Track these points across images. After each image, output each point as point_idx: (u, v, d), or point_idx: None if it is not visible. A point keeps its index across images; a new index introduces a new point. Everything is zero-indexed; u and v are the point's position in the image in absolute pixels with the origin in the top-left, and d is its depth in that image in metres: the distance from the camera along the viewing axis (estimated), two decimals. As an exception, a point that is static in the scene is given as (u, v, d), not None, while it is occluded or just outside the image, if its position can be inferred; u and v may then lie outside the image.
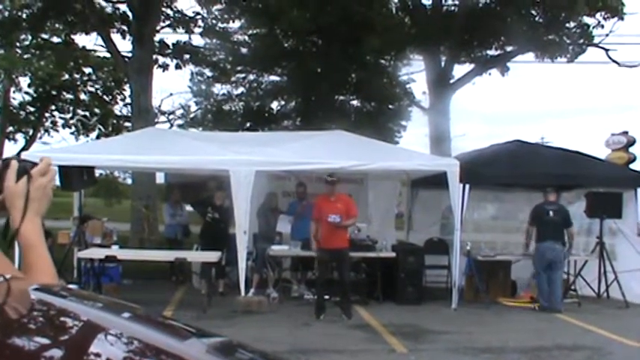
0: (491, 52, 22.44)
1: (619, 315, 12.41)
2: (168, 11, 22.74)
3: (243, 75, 27.08)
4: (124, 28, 21.72)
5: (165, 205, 16.20)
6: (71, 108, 26.26)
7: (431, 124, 22.93)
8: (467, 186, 12.46)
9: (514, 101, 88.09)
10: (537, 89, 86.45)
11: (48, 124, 26.70)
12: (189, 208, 15.94)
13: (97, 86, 26.02)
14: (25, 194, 1.57)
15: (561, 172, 13.21)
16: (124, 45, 21.87)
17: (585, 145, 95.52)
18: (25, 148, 24.27)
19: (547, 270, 12.57)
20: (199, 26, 23.67)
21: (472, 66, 22.68)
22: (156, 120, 24.47)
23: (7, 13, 22.18)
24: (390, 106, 26.76)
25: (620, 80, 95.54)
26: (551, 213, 12.71)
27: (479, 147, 16.14)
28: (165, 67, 23.25)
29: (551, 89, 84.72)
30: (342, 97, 26.39)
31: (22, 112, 25.90)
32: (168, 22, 22.79)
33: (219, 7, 23.45)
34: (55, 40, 23.86)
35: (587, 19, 19.98)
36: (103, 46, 22.10)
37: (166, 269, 14.96)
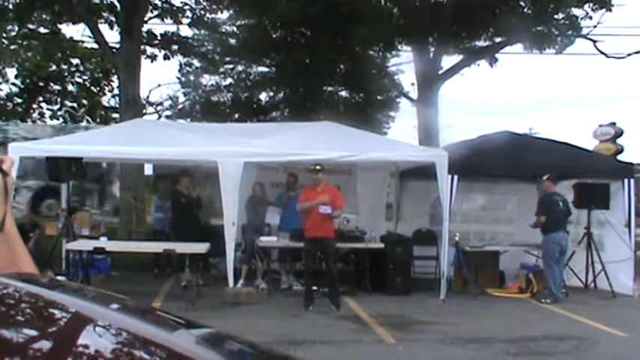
0: (480, 44, 22.45)
1: (606, 305, 12.48)
2: (157, 1, 22.61)
3: (231, 66, 27.07)
4: (112, 18, 21.60)
5: (154, 196, 16.12)
6: (59, 99, 26.16)
7: (419, 115, 22.95)
8: (455, 177, 12.49)
9: (502, 92, 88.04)
10: (526, 80, 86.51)
11: (35, 115, 26.60)
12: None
13: (84, 77, 25.93)
14: (3, 190, 1.60)
15: (549, 163, 13.23)
16: (112, 36, 21.80)
17: (573, 136, 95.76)
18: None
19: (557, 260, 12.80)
20: (187, 17, 23.57)
21: (461, 57, 22.69)
22: (144, 111, 24.40)
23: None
24: (379, 97, 26.84)
25: (607, 71, 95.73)
26: (560, 204, 12.93)
27: (467, 138, 16.17)
28: (153, 57, 23.16)
29: (539, 80, 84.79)
30: (330, 88, 26.42)
31: (9, 104, 25.77)
32: (156, 13, 22.67)
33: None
34: (42, 30, 23.72)
35: (575, 11, 20.03)
36: (90, 36, 22.02)
37: (155, 261, 14.94)
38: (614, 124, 23.10)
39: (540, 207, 12.97)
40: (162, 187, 15.95)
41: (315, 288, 11.84)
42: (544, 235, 12.87)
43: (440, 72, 22.37)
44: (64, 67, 24.87)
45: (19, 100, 25.73)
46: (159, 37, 23.12)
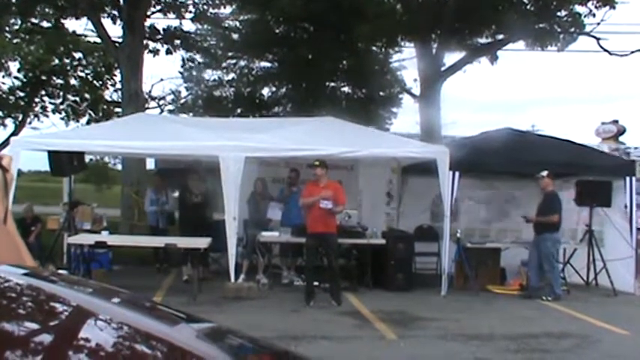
0: (483, 40, 22.39)
1: (607, 303, 12.50)
2: (159, -4, 22.60)
3: (234, 61, 26.98)
4: (115, 13, 21.57)
5: (148, 191, 16.05)
6: (61, 93, 26.07)
7: (422, 111, 22.89)
8: (457, 173, 12.49)
9: (505, 89, 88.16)
10: (528, 77, 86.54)
11: (38, 109, 26.51)
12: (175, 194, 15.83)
13: (87, 71, 25.80)
14: (3, 186, 1.63)
15: (551, 160, 13.22)
16: (115, 30, 21.78)
17: (575, 133, 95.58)
18: (14, 133, 24.14)
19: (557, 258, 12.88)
20: (190, 11, 23.56)
21: (463, 54, 22.63)
22: (146, 105, 24.32)
23: (-4, -2, 21.98)
24: (381, 93, 26.74)
25: (610, 69, 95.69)
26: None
27: (469, 135, 16.15)
28: (155, 52, 23.15)
29: (541, 77, 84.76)
30: (332, 84, 26.36)
31: (11, 97, 25.69)
32: (159, 7, 22.65)
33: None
34: (45, 24, 23.70)
35: (578, 8, 19.96)
36: (93, 31, 21.96)
37: (154, 255, 14.93)
38: (616, 121, 23.02)
39: (553, 206, 12.85)
40: (157, 181, 15.93)
41: (316, 283, 11.86)
42: (544, 234, 12.81)
43: (442, 69, 22.31)
44: (67, 60, 24.76)
45: (22, 94, 25.64)
46: (161, 32, 23.11)
